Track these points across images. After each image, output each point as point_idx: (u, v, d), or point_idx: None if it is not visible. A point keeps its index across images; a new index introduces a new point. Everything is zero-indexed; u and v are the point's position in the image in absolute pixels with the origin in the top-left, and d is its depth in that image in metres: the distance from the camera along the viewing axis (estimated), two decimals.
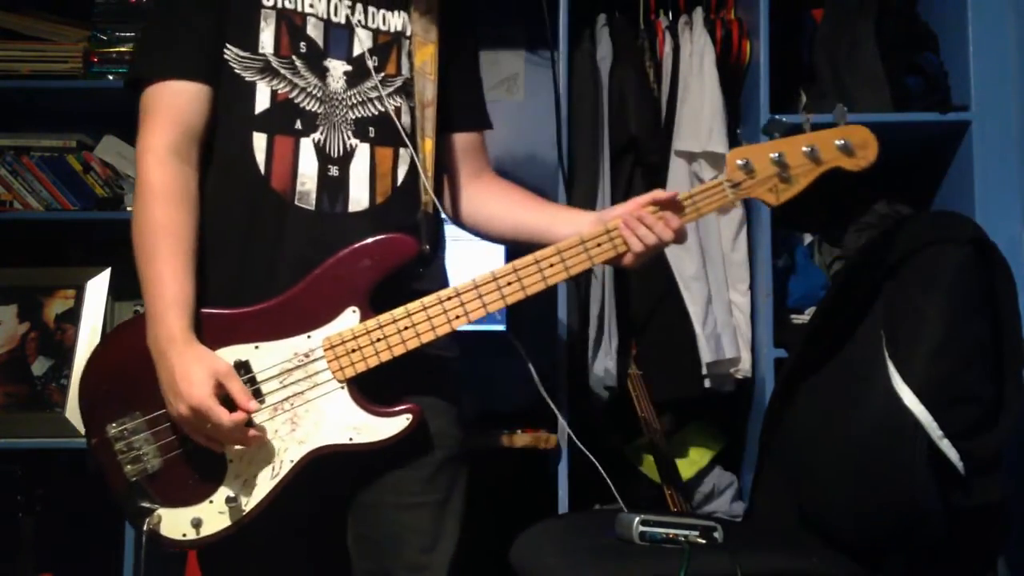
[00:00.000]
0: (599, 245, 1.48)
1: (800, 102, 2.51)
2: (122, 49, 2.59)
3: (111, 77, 2.59)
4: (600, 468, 1.68)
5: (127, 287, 2.67)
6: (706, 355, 2.32)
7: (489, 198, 1.68)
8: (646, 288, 2.38)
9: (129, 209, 2.56)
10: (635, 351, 2.39)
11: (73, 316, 2.51)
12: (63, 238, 2.75)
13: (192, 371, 1.37)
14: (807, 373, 1.80)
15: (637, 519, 1.60)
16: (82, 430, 2.33)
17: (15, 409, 2.45)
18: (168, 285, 1.41)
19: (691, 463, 2.47)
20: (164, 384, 1.39)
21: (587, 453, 1.69)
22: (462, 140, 1.67)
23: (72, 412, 2.41)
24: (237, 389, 1.39)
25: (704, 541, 1.58)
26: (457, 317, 1.45)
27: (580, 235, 1.48)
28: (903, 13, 2.51)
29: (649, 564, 1.54)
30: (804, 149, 1.49)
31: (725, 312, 2.40)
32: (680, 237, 1.50)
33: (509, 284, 1.46)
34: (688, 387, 2.36)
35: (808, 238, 2.57)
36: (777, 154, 1.49)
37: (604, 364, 2.36)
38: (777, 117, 1.54)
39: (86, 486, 2.52)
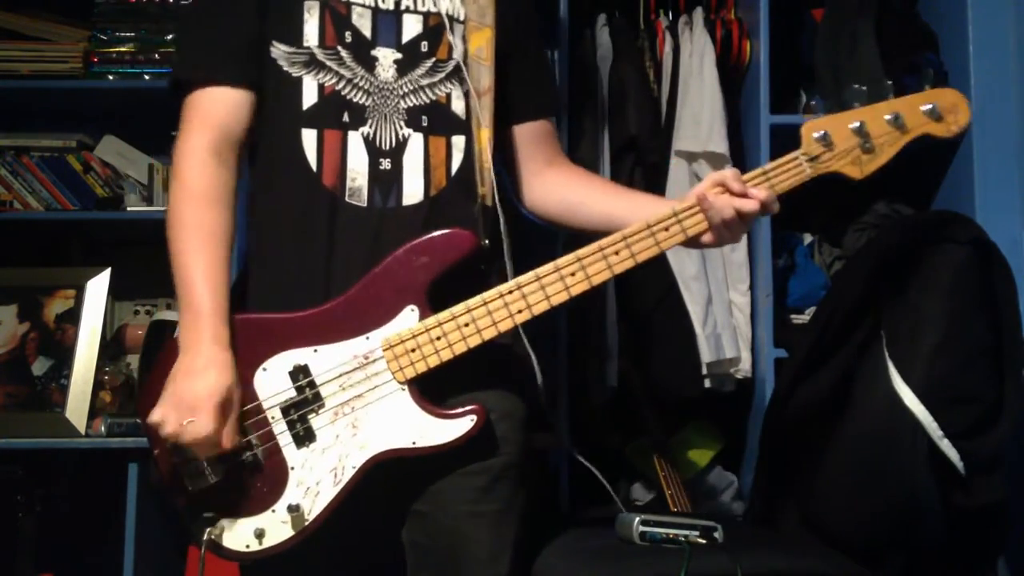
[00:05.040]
0: (666, 229, 1.41)
1: (800, 102, 2.51)
2: (122, 49, 2.60)
3: (111, 77, 2.59)
4: (598, 474, 1.67)
5: (127, 287, 2.68)
6: (706, 355, 2.32)
7: (569, 186, 1.62)
8: (646, 288, 2.38)
9: (130, 209, 2.58)
10: (635, 351, 2.39)
11: (73, 316, 2.50)
12: (63, 238, 2.75)
13: (210, 372, 1.34)
14: (807, 373, 1.80)
15: (637, 519, 1.60)
16: (82, 429, 2.36)
17: (15, 409, 2.44)
18: (199, 288, 1.38)
19: (691, 463, 2.47)
20: (176, 369, 1.37)
21: (587, 463, 1.67)
22: (530, 128, 1.62)
23: (72, 412, 2.40)
24: (231, 418, 1.36)
25: (704, 541, 1.57)
26: (519, 312, 1.39)
27: (646, 220, 1.41)
28: (903, 13, 2.52)
29: (649, 564, 1.54)
30: (887, 117, 1.42)
31: (725, 312, 2.40)
32: (767, 207, 1.41)
33: (573, 275, 1.39)
34: (688, 387, 2.36)
35: (808, 238, 2.57)
36: (858, 123, 1.41)
37: (604, 364, 2.36)
38: (856, 87, 1.48)
39: (86, 486, 2.54)
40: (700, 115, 2.40)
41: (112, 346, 2.61)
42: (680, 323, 2.33)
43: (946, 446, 1.55)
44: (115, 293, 2.62)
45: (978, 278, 1.59)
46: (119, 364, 2.55)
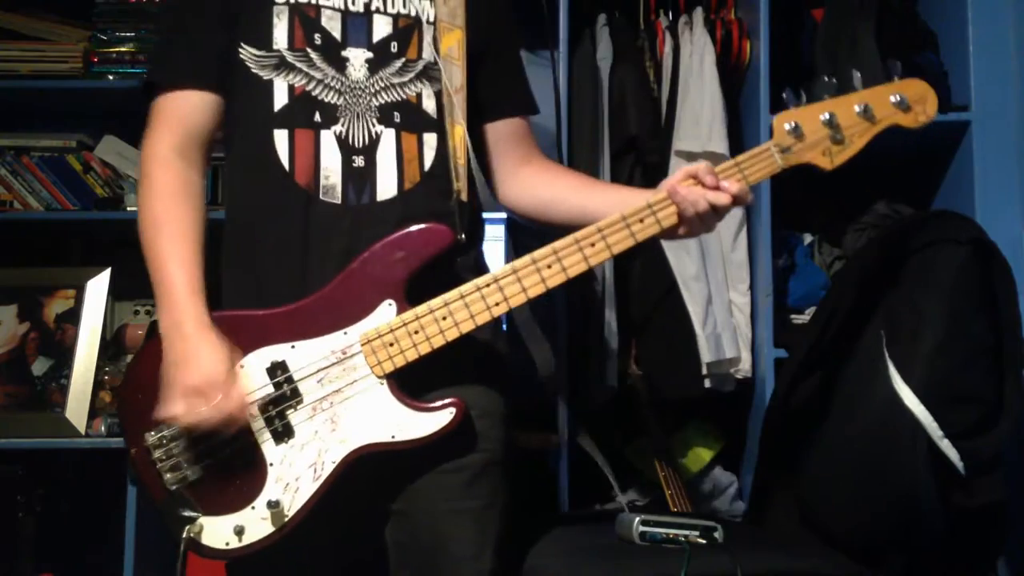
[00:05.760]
0: (641, 221, 1.42)
1: (800, 102, 2.50)
2: (122, 49, 2.60)
3: (111, 77, 2.59)
4: (608, 471, 1.67)
5: (127, 287, 2.67)
6: (706, 355, 2.32)
7: (543, 182, 1.63)
8: (646, 288, 2.38)
9: (130, 209, 2.58)
10: (635, 351, 2.39)
11: (73, 316, 2.51)
12: (63, 238, 2.75)
13: (202, 351, 1.36)
14: (807, 373, 1.80)
15: (637, 519, 1.60)
16: (82, 429, 2.36)
17: (15, 409, 2.45)
18: (173, 275, 1.40)
19: (691, 463, 2.47)
20: (168, 362, 1.37)
21: (596, 457, 1.67)
22: (505, 126, 1.63)
23: (72, 412, 2.40)
24: (238, 389, 1.37)
25: (704, 541, 1.58)
26: (497, 304, 1.40)
27: (621, 212, 1.42)
28: (903, 13, 2.51)
29: (649, 564, 1.55)
30: (856, 108, 1.44)
31: (725, 312, 2.40)
32: (739, 200, 1.42)
33: (549, 267, 1.41)
34: (688, 387, 2.36)
35: (808, 238, 2.57)
36: (828, 115, 1.43)
37: (604, 364, 2.36)
38: (825, 79, 1.49)
39: (86, 486, 2.54)
40: (700, 115, 2.40)
41: (112, 346, 2.61)
42: (680, 323, 2.33)
43: (946, 446, 1.55)
44: (115, 293, 2.62)
45: (978, 278, 1.60)
46: (119, 364, 2.55)
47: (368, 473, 1.41)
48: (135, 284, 2.77)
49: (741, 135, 2.51)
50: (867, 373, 1.66)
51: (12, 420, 2.42)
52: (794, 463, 1.83)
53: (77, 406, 2.41)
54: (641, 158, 2.44)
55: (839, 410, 1.71)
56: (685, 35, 2.48)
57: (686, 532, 1.59)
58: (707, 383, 2.36)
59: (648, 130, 2.43)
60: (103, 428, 2.37)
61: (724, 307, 2.40)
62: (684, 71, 2.45)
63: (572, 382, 2.35)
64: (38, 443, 2.36)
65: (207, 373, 1.35)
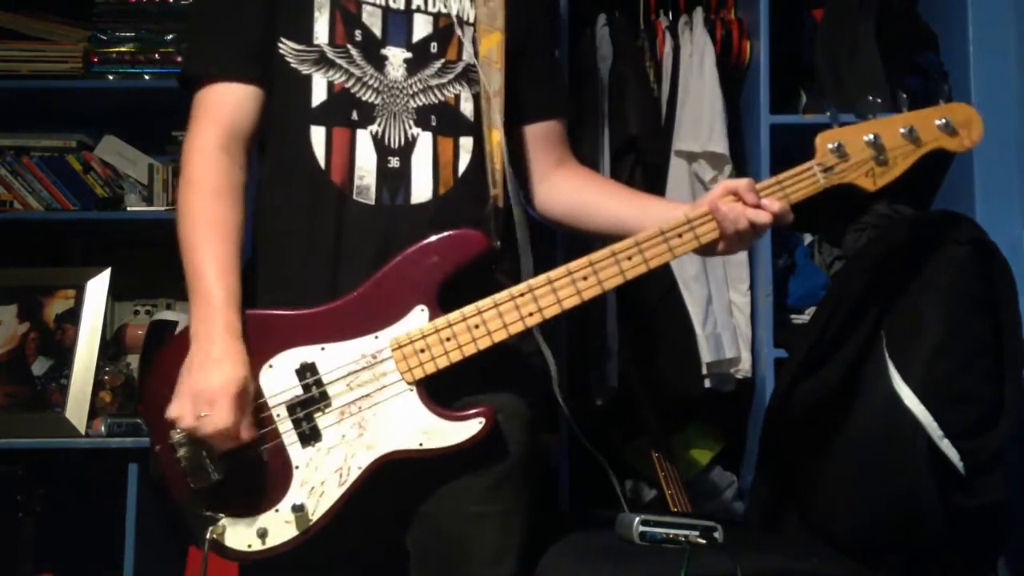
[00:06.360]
0: (680, 236, 1.40)
1: (800, 102, 2.51)
2: (122, 49, 2.60)
3: (111, 77, 2.59)
4: (610, 472, 1.66)
5: (127, 287, 2.68)
6: (706, 355, 2.32)
7: (576, 188, 1.61)
8: (646, 288, 2.38)
9: (130, 209, 2.59)
10: (635, 351, 2.39)
11: (73, 316, 2.51)
12: (63, 238, 2.75)
13: (221, 363, 1.33)
14: (807, 373, 1.80)
15: (637, 519, 1.60)
16: (82, 429, 2.37)
17: (15, 409, 2.44)
18: (209, 279, 1.37)
19: (691, 463, 2.47)
20: (187, 363, 1.35)
21: (600, 459, 1.67)
22: (540, 129, 1.61)
23: (72, 412, 2.40)
24: (248, 410, 1.35)
25: (704, 541, 1.57)
26: (531, 314, 1.38)
27: (659, 226, 1.40)
28: (903, 13, 2.52)
29: (649, 564, 1.54)
30: (902, 130, 1.42)
31: (725, 312, 2.40)
32: (780, 219, 1.42)
33: (585, 279, 1.39)
34: (688, 387, 2.36)
35: (808, 238, 2.57)
36: (872, 136, 1.42)
37: (604, 364, 2.36)
38: (871, 98, 1.49)
39: (86, 486, 2.54)
40: (700, 115, 2.40)
41: (112, 346, 2.61)
42: (680, 323, 2.34)
43: (946, 446, 1.55)
44: (115, 293, 2.62)
45: (978, 278, 1.59)
46: (119, 364, 2.55)
47: (390, 476, 1.40)
48: (135, 284, 2.79)
49: (741, 135, 2.51)
50: (867, 373, 1.65)
51: (12, 420, 2.42)
52: (794, 463, 1.83)
53: (77, 406, 2.41)
54: (641, 158, 2.44)
55: (839, 410, 1.71)
56: (685, 35, 2.48)
57: (686, 532, 1.58)
58: (707, 383, 2.36)
59: (648, 130, 2.43)
60: (103, 428, 2.36)
61: (724, 307, 2.40)
62: (684, 71, 2.45)
63: (572, 382, 2.35)
64: (38, 443, 2.36)
65: (213, 384, 1.32)
